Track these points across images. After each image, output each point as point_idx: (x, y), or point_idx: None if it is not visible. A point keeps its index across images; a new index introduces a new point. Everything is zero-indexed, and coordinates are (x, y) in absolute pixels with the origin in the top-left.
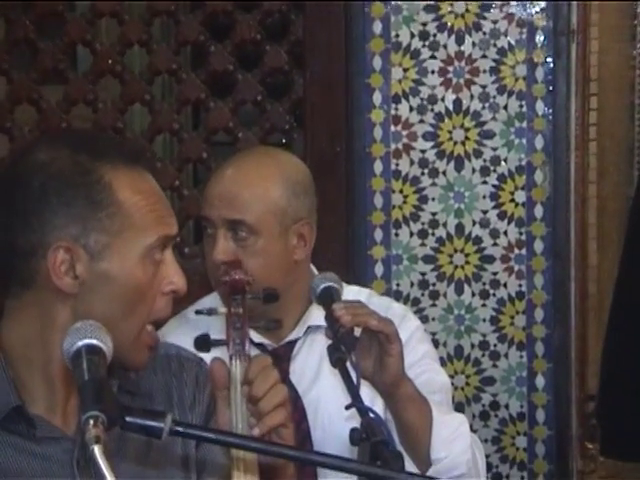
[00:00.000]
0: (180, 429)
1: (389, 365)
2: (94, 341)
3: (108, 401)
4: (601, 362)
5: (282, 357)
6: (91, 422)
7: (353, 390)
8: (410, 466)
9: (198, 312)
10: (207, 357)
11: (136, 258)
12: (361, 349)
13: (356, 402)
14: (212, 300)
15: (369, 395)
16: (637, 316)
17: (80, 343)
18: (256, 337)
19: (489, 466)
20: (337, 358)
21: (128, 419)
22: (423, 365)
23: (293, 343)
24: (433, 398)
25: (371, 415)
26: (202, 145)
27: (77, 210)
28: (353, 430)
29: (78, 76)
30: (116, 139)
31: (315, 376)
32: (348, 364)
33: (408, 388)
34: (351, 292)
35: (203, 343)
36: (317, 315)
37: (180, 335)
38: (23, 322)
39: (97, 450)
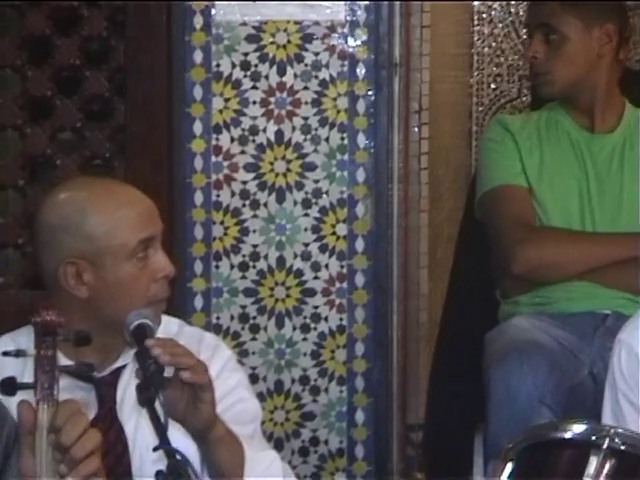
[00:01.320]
0: None
1: (201, 411)
2: None
3: None
4: (428, 394)
5: (109, 384)
6: None
7: (161, 431)
8: None
9: (5, 354)
10: (14, 400)
11: None
12: (172, 390)
13: (163, 444)
14: (28, 331)
15: (187, 436)
16: (461, 342)
17: None
18: None
19: None
20: (145, 397)
21: None
22: (236, 394)
23: (120, 369)
24: (246, 430)
25: (178, 457)
26: (19, 172)
27: None
28: (158, 473)
29: None
30: None
31: (135, 406)
32: (157, 404)
33: (219, 430)
34: (163, 321)
35: (9, 386)
36: None
37: None
38: None
39: None
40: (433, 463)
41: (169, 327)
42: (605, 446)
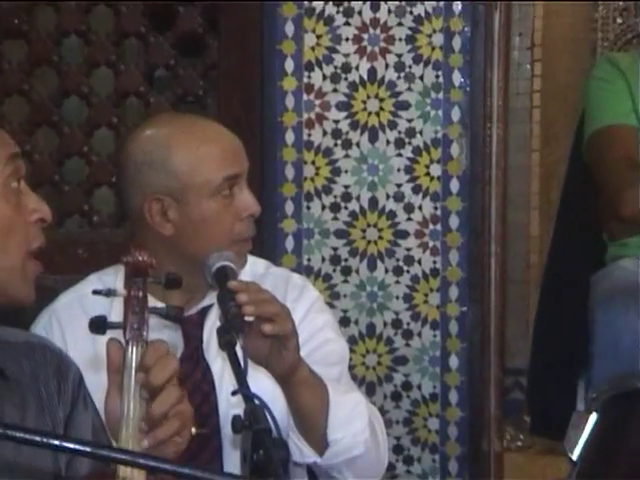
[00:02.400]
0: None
1: (284, 356)
2: None
3: None
4: (532, 338)
5: (196, 324)
6: None
7: (240, 375)
8: (304, 447)
9: (95, 292)
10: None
11: None
12: (255, 336)
13: (242, 388)
14: (115, 271)
15: (271, 378)
16: (568, 290)
17: None
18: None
19: (400, 448)
20: (226, 341)
21: None
22: (322, 336)
23: (207, 309)
24: (333, 372)
25: (256, 402)
26: (112, 110)
27: None
28: (235, 417)
29: None
30: None
31: None
32: (237, 348)
33: (303, 373)
34: (249, 263)
35: (99, 325)
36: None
37: (74, 315)
38: None
39: None
40: (537, 408)
41: (256, 267)
42: None
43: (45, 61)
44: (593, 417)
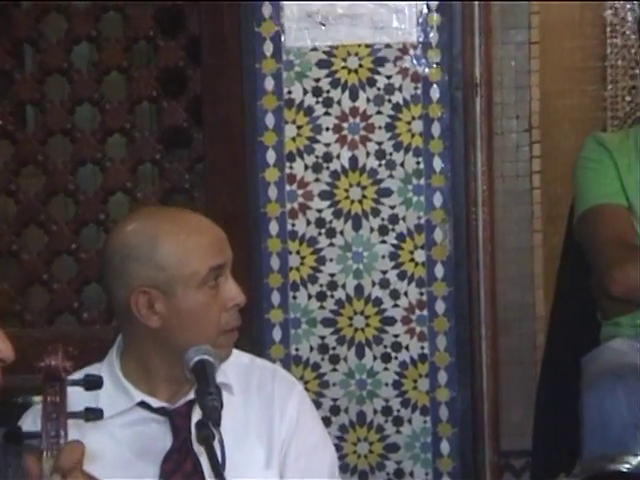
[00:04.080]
0: None
1: None
2: None
3: None
4: (534, 419)
5: (184, 416)
6: None
7: (217, 470)
8: None
9: (13, 402)
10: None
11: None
12: None
13: None
14: (97, 369)
15: (262, 457)
16: (565, 371)
17: None
18: (155, 402)
19: None
20: (204, 436)
21: None
22: (314, 439)
23: (195, 401)
24: None
25: None
26: (100, 206)
27: None
28: None
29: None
30: None
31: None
32: (215, 442)
33: None
34: (233, 354)
35: (14, 436)
36: (218, 372)
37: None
38: None
39: None
40: None
41: (240, 359)
42: None
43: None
44: None
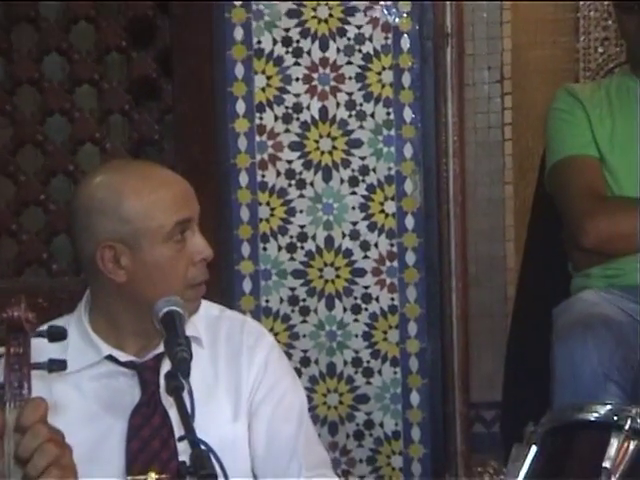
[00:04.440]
0: None
1: None
2: None
3: None
4: (504, 371)
5: (152, 370)
6: None
7: (186, 421)
8: None
9: None
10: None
11: None
12: None
13: (188, 434)
14: (65, 321)
15: (230, 410)
16: (536, 322)
17: None
18: (123, 356)
19: None
20: (173, 387)
21: None
22: (282, 388)
23: (163, 355)
24: (292, 428)
25: (202, 447)
26: (69, 157)
27: None
28: (181, 463)
29: None
30: None
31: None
32: (185, 394)
33: None
34: (203, 307)
35: None
36: (188, 325)
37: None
38: None
39: None
40: (509, 440)
41: (210, 311)
42: (627, 427)
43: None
44: (533, 450)
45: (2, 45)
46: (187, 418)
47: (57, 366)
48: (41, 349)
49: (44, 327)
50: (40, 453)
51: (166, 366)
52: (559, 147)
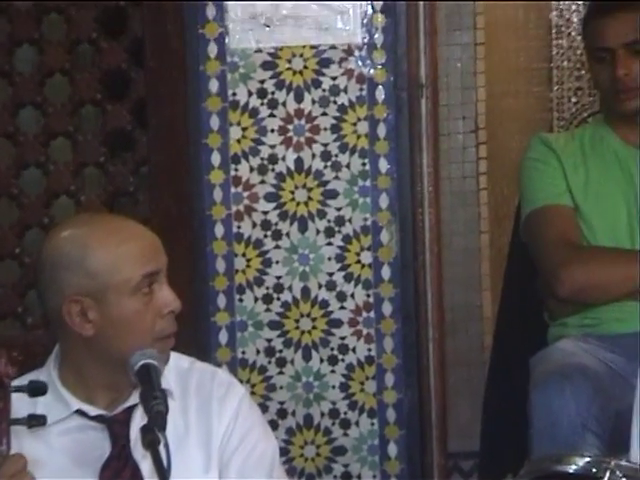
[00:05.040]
0: None
1: None
2: None
3: None
4: (481, 420)
5: (122, 423)
6: None
7: (163, 475)
8: None
9: None
10: None
11: None
12: None
13: None
14: (36, 375)
15: (201, 462)
16: (512, 371)
17: None
18: (92, 410)
19: None
20: (149, 441)
21: None
22: (254, 438)
23: (132, 408)
24: (266, 476)
25: None
26: (42, 210)
27: None
28: None
29: None
30: None
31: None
32: (161, 447)
33: None
34: (173, 359)
35: None
36: None
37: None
38: None
39: None
40: None
41: (180, 363)
42: (608, 477)
43: None
44: None
45: None
46: (164, 472)
47: (37, 421)
48: (19, 407)
49: (23, 381)
50: None
51: (137, 419)
52: (533, 196)
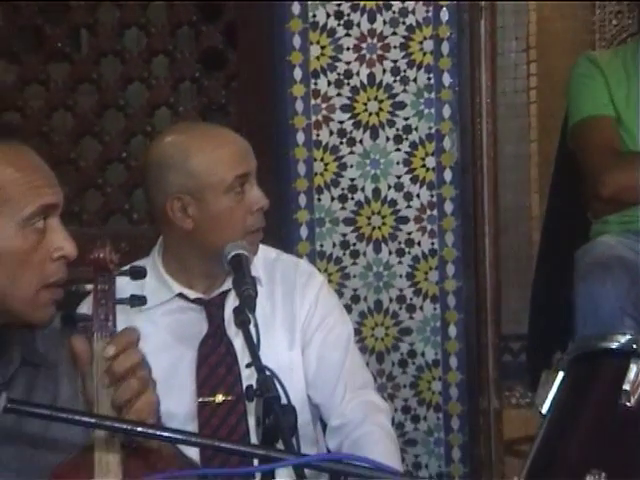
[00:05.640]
0: (16, 406)
1: None
2: None
3: None
4: (530, 307)
5: (217, 305)
6: None
7: (253, 350)
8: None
9: (70, 291)
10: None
11: (14, 229)
12: None
13: (254, 361)
14: (144, 262)
15: (286, 340)
16: (559, 263)
17: None
18: (192, 294)
19: (407, 409)
20: (241, 320)
21: None
22: (332, 320)
23: (226, 293)
24: (339, 355)
25: (267, 373)
26: (145, 119)
27: None
28: (248, 387)
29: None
30: None
31: None
32: (251, 326)
33: None
34: (262, 250)
35: (68, 319)
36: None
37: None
38: None
39: None
40: (534, 369)
41: (267, 254)
42: None
43: (86, 80)
44: (560, 375)
45: (88, 21)
46: (254, 348)
47: (138, 301)
48: (122, 288)
49: (126, 267)
50: (132, 373)
51: (230, 302)
52: (580, 108)
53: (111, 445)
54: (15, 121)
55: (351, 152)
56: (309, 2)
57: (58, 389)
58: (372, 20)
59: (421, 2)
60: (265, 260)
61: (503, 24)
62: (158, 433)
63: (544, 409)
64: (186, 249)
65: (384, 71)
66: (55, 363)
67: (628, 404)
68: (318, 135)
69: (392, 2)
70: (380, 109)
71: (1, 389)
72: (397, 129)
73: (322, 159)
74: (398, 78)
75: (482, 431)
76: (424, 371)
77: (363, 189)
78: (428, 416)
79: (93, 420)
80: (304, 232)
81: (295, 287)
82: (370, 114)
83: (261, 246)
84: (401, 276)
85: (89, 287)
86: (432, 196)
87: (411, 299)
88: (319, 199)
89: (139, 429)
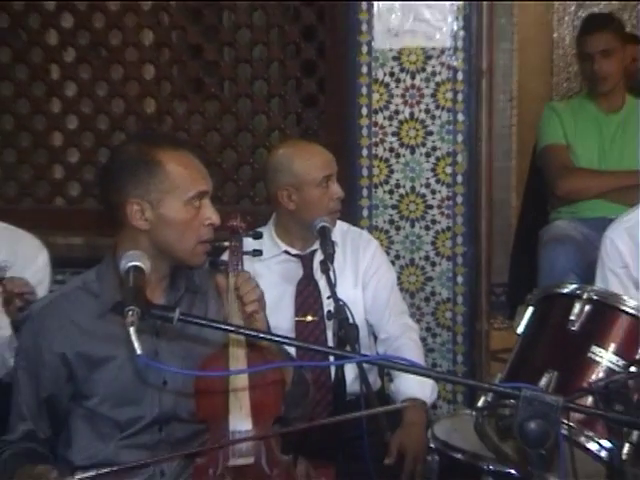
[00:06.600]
0: (184, 318)
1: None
2: (137, 263)
3: (141, 300)
4: (510, 263)
5: (309, 259)
6: (129, 313)
7: (332, 287)
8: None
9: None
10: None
11: (181, 205)
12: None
13: (333, 295)
14: (264, 229)
15: (352, 281)
16: (529, 231)
17: (128, 264)
18: (293, 250)
19: (429, 329)
20: (324, 269)
21: (153, 311)
22: (383, 270)
23: (315, 251)
24: (387, 293)
25: (340, 303)
26: (267, 138)
27: (140, 179)
28: (329, 312)
29: None
30: (167, 134)
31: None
32: (330, 272)
33: None
34: (338, 224)
35: (214, 263)
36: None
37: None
38: (124, 247)
39: (132, 330)
40: (513, 306)
41: (342, 227)
42: (585, 297)
43: (229, 112)
44: (530, 309)
45: (231, 75)
46: (332, 286)
47: (258, 253)
48: (248, 245)
49: (251, 232)
50: (252, 292)
51: (317, 257)
52: (544, 138)
53: (240, 344)
54: (183, 137)
55: (397, 162)
56: (372, 64)
57: (207, 307)
58: (413, 77)
59: (445, 67)
60: (340, 230)
61: (496, 83)
62: (269, 337)
63: (519, 330)
64: (290, 221)
65: (420, 110)
66: (205, 290)
67: (573, 328)
68: (376, 151)
69: (426, 66)
70: (417, 135)
71: (174, 307)
72: (427, 148)
73: (378, 166)
74: (429, 115)
75: (477, 344)
76: (440, 305)
77: (404, 186)
78: (442, 334)
79: (229, 327)
80: (365, 213)
81: (359, 248)
82: (410, 138)
83: (338, 221)
84: (427, 243)
85: (226, 244)
86: (449, 192)
87: (433, 258)
88: (375, 192)
89: (258, 334)
